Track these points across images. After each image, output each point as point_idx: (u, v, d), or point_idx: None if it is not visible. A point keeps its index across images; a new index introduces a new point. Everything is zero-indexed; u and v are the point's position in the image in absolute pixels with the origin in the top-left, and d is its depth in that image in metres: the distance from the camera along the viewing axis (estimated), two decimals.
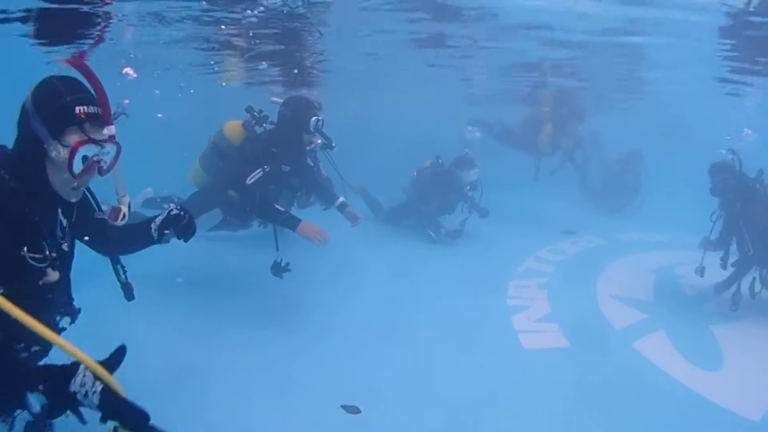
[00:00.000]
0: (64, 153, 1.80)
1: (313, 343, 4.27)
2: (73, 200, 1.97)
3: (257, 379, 3.69)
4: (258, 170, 4.29)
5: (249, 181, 4.26)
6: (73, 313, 2.34)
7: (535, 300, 5.48)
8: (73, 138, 1.81)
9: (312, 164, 5.02)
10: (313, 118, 4.32)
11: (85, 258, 2.33)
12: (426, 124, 11.67)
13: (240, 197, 4.37)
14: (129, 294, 2.51)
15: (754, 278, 5.15)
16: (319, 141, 4.48)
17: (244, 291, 5.06)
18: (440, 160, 7.36)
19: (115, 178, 2.11)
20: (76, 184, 1.90)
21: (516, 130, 9.62)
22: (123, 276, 2.49)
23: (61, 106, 1.80)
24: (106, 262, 4.57)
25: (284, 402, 3.47)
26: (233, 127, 4.76)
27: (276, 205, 4.39)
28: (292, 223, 4.22)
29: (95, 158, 1.88)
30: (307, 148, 4.52)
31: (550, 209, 9.33)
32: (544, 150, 8.83)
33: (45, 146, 1.81)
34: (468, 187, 7.09)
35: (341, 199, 5.15)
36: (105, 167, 1.94)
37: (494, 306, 5.31)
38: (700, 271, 5.32)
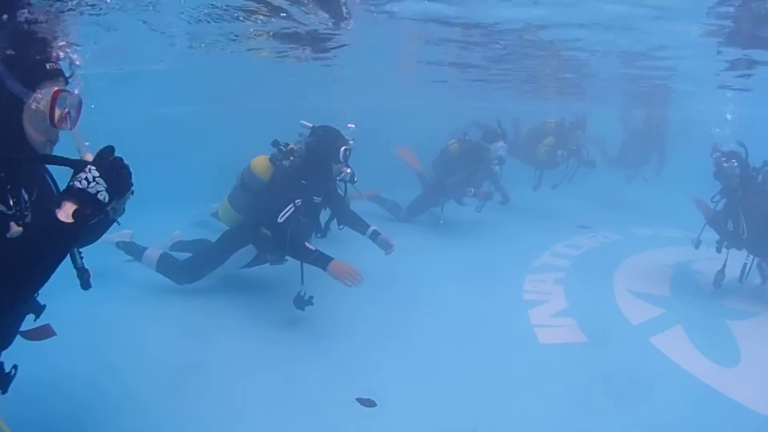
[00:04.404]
0: (44, 103, 1.96)
1: (320, 341, 4.29)
2: (46, 150, 2.06)
3: (258, 378, 3.71)
4: (289, 206, 4.24)
5: (280, 219, 4.20)
6: (37, 310, 2.26)
7: (551, 294, 5.51)
8: (49, 89, 1.98)
9: (342, 194, 4.95)
10: (342, 148, 4.32)
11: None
12: (427, 120, 11.52)
13: (272, 235, 4.28)
14: (85, 282, 2.30)
15: (745, 264, 5.38)
16: (349, 170, 4.47)
17: (246, 290, 5.11)
18: (468, 137, 7.33)
19: (73, 137, 2.16)
20: (52, 135, 2.04)
21: (520, 139, 9.58)
22: (79, 261, 2.28)
23: (33, 63, 2.01)
24: (105, 267, 4.59)
25: (286, 401, 3.49)
26: (260, 163, 4.67)
27: (307, 244, 4.31)
28: (323, 262, 4.14)
29: (67, 109, 2.03)
30: (338, 178, 4.53)
31: (563, 206, 9.32)
32: (542, 161, 8.82)
33: (24, 100, 1.96)
34: (496, 162, 7.10)
35: (373, 227, 5.17)
36: (73, 119, 2.09)
37: (510, 300, 5.35)
38: (696, 243, 5.68)
